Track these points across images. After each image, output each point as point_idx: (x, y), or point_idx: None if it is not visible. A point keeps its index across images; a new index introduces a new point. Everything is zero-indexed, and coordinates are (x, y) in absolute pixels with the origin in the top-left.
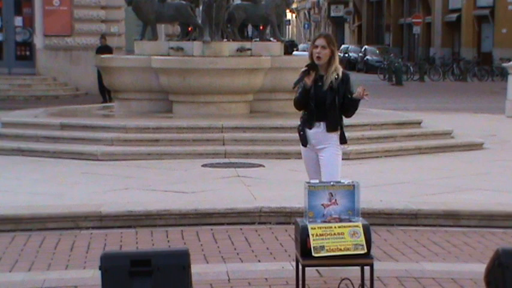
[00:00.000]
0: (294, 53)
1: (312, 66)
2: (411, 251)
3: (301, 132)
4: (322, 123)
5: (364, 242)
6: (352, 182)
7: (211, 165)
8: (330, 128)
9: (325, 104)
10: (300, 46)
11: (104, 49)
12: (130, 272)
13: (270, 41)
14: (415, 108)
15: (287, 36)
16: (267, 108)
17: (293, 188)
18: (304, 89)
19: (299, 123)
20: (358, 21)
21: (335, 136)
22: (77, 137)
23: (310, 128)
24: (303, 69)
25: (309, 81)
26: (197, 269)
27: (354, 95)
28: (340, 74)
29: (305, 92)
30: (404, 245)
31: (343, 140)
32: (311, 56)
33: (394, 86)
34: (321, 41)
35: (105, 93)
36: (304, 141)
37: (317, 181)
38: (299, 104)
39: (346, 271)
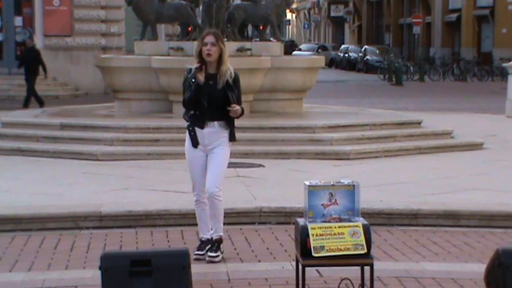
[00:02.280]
0: (294, 52)
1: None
2: (411, 251)
3: (192, 133)
4: (215, 122)
5: (364, 242)
6: (352, 182)
7: None
8: (225, 127)
9: (218, 103)
10: (304, 46)
11: (29, 53)
12: (130, 272)
13: (270, 41)
14: (415, 108)
15: (287, 36)
16: (267, 108)
17: (293, 188)
18: (198, 86)
19: (187, 123)
20: (358, 21)
21: (226, 134)
22: (77, 137)
23: (203, 128)
24: (196, 66)
25: (202, 78)
26: (197, 269)
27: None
28: (233, 73)
29: (199, 89)
30: (404, 245)
31: (232, 138)
32: (199, 54)
33: (394, 86)
34: (210, 38)
35: (37, 97)
36: (195, 141)
37: (317, 181)
38: (190, 102)
39: (346, 271)
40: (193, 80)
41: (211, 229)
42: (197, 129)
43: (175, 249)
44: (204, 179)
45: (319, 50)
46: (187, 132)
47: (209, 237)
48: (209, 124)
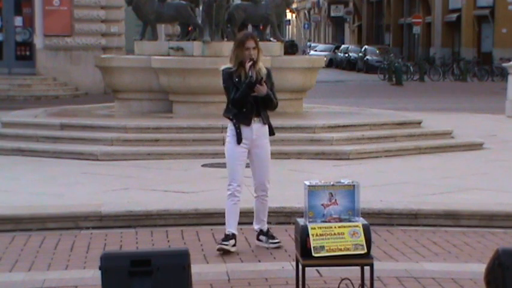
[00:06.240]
0: (311, 53)
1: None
2: (411, 251)
3: (238, 130)
4: (259, 118)
5: (364, 242)
6: (352, 182)
7: (211, 165)
8: (266, 122)
9: (260, 99)
10: (320, 47)
11: None
12: (130, 272)
13: (270, 41)
14: (415, 108)
15: (287, 36)
16: None
17: (293, 188)
18: (250, 83)
19: (233, 121)
20: (358, 21)
21: (267, 129)
22: (77, 137)
23: (249, 125)
24: (250, 64)
25: (254, 74)
26: (197, 269)
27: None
28: (267, 69)
29: (252, 86)
30: (404, 245)
31: (272, 132)
32: (236, 57)
33: (394, 86)
34: (251, 43)
35: None
36: (240, 138)
37: (317, 181)
38: (242, 100)
39: (346, 271)
40: (236, 79)
41: (262, 221)
42: (243, 126)
43: (175, 249)
44: (243, 174)
45: (336, 51)
46: (230, 129)
47: (235, 232)
48: (255, 120)
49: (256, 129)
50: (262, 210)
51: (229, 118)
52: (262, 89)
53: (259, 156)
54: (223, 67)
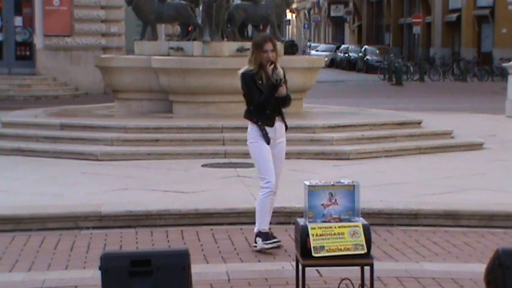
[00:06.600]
0: (313, 52)
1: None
2: (411, 251)
3: (264, 132)
4: (279, 117)
5: (364, 242)
6: (352, 182)
7: (211, 165)
8: (284, 121)
9: (279, 99)
10: (321, 47)
11: None
12: (130, 272)
13: None
14: (415, 108)
15: (287, 36)
16: None
17: (293, 188)
18: (273, 85)
19: (255, 125)
20: (358, 21)
21: (284, 127)
22: (77, 137)
23: (273, 126)
24: (272, 67)
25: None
26: (197, 269)
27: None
28: (281, 70)
29: (275, 88)
30: (404, 245)
31: (287, 128)
32: (255, 59)
33: (394, 86)
34: (269, 46)
35: None
36: (268, 139)
37: (317, 181)
38: (266, 103)
39: (346, 271)
40: (259, 82)
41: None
42: (267, 128)
43: (175, 249)
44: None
45: (337, 51)
46: (253, 131)
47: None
48: (277, 119)
49: (278, 129)
50: (269, 209)
51: (252, 120)
52: (283, 90)
53: (278, 157)
54: (242, 70)
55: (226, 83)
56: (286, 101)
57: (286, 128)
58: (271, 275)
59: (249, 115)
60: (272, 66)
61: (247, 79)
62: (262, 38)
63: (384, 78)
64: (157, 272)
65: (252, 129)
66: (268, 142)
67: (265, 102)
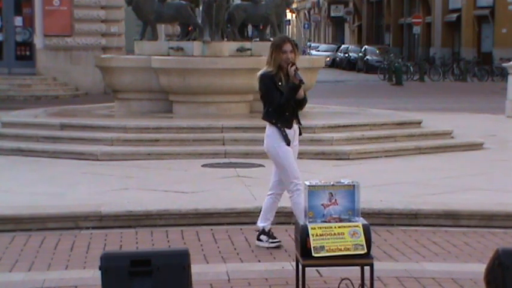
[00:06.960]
0: (313, 52)
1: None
2: (411, 251)
3: (284, 133)
4: (296, 119)
5: (364, 242)
6: (352, 182)
7: (211, 165)
8: (300, 124)
9: (297, 101)
10: (322, 47)
11: None
12: (130, 272)
13: (270, 41)
14: (415, 108)
15: None
16: None
17: None
18: (294, 87)
19: (274, 126)
20: (358, 21)
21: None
22: (76, 137)
23: (291, 128)
24: (294, 68)
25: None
26: (197, 269)
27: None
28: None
29: (296, 89)
30: (404, 245)
31: (301, 134)
32: (275, 60)
33: (394, 86)
34: (288, 47)
35: None
36: (288, 140)
37: (317, 181)
38: (287, 104)
39: (346, 271)
40: (279, 83)
41: (268, 220)
42: (286, 129)
43: (175, 249)
44: None
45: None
46: (272, 132)
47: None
48: (294, 121)
49: (295, 131)
50: (274, 208)
51: (271, 122)
52: (302, 92)
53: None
54: (261, 72)
55: (226, 83)
56: (303, 103)
57: (300, 133)
58: (271, 275)
59: (268, 116)
60: (294, 67)
61: (267, 80)
62: (281, 39)
63: (384, 78)
64: (157, 272)
65: (273, 132)
66: (288, 144)
67: (285, 103)
